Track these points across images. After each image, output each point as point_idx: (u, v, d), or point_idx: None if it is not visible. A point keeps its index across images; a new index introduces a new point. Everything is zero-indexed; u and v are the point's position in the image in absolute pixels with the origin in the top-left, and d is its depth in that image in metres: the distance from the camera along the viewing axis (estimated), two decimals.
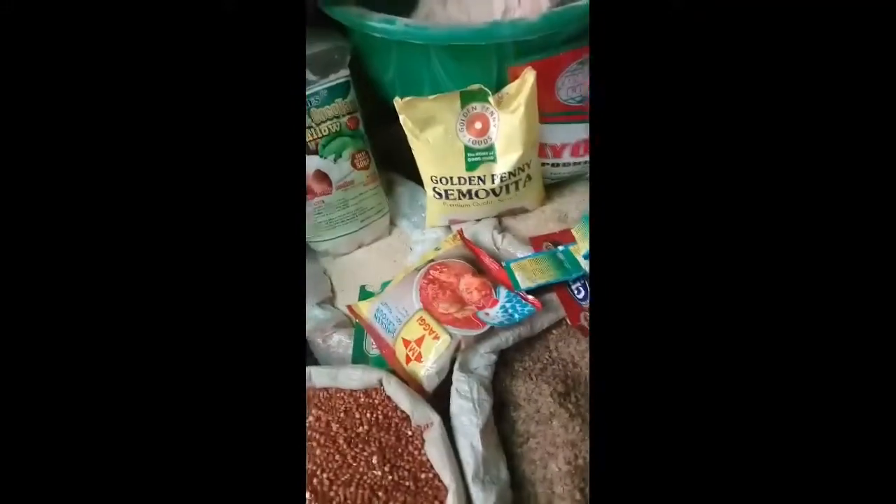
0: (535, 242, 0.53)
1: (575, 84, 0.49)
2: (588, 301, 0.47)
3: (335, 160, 0.55)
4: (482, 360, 0.43)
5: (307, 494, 0.36)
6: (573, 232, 0.50)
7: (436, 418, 0.40)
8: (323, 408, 0.42)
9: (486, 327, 0.43)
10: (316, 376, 0.44)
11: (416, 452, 0.39)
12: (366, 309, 0.51)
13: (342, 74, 0.52)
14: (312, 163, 0.54)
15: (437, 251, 0.53)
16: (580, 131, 0.53)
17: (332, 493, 0.37)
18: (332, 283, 0.59)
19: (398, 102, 0.49)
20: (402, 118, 0.50)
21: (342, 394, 0.43)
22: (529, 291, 0.47)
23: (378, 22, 0.46)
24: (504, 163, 0.51)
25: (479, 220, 0.57)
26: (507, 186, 0.53)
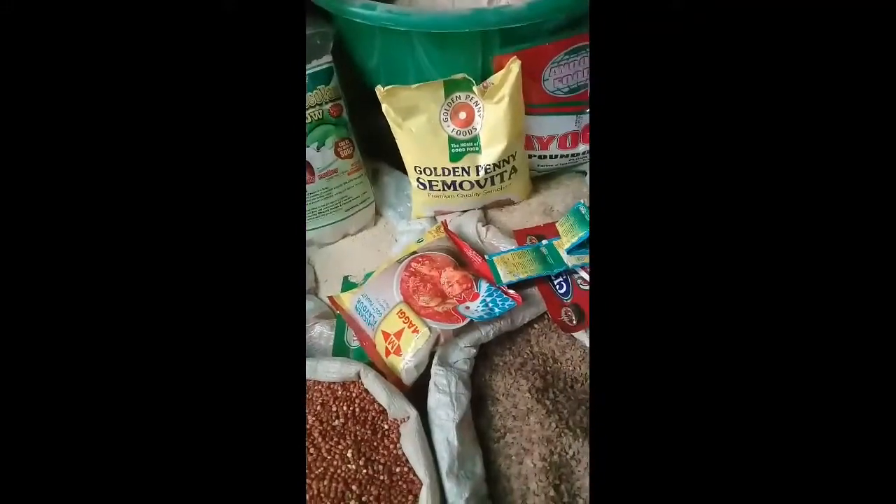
0: (519, 236, 0.52)
1: (562, 75, 0.48)
2: (570, 296, 0.46)
3: (318, 148, 0.54)
4: (461, 353, 0.43)
5: None
6: (557, 226, 0.50)
7: (413, 412, 0.40)
8: None
9: (466, 321, 0.43)
10: None
11: (391, 446, 0.39)
12: (347, 300, 0.51)
13: (325, 61, 0.51)
14: None
15: (420, 243, 0.52)
16: (568, 123, 0.52)
17: (305, 487, 0.37)
18: (315, 273, 0.59)
19: (380, 91, 0.48)
20: (384, 107, 0.49)
21: (320, 386, 0.43)
22: (511, 286, 0.46)
23: (359, 7, 0.45)
24: (488, 154, 0.51)
25: (464, 212, 0.56)
26: (491, 178, 0.52)
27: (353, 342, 0.49)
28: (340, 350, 0.49)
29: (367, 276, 0.53)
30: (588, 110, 0.51)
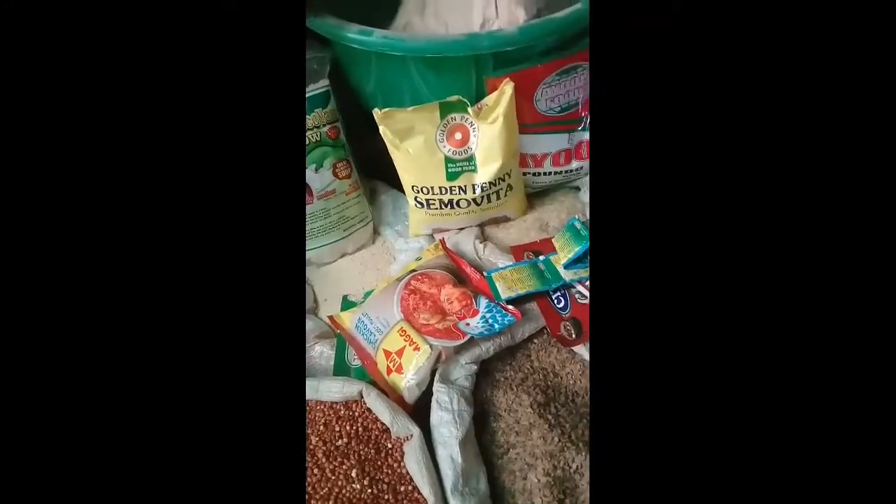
0: (516, 252, 0.53)
1: (554, 95, 0.49)
2: (568, 311, 0.47)
3: (316, 170, 0.55)
4: (463, 370, 0.43)
5: None
6: (553, 241, 0.51)
7: (415, 430, 0.40)
8: None
9: (467, 338, 0.44)
10: None
11: (395, 465, 0.39)
12: (347, 319, 0.51)
13: (322, 84, 0.52)
14: None
15: (419, 261, 0.53)
16: (561, 141, 0.54)
17: None
18: (314, 293, 0.59)
19: (377, 113, 0.50)
20: (381, 129, 0.51)
21: (322, 406, 0.43)
22: (510, 301, 0.47)
23: (355, 33, 0.46)
24: (484, 173, 0.52)
25: (461, 230, 0.57)
26: (487, 196, 0.53)
27: (354, 361, 0.49)
28: (341, 369, 0.49)
29: (367, 294, 0.54)
30: (580, 128, 0.53)
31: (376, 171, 0.62)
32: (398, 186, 0.58)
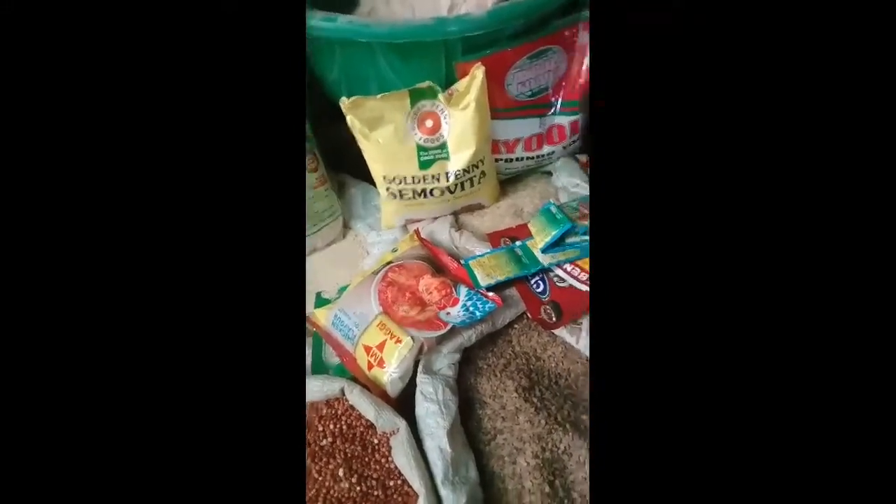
0: (493, 238, 0.53)
1: (524, 79, 0.49)
2: (547, 295, 0.47)
3: None
4: (445, 360, 0.43)
5: None
6: (529, 226, 0.51)
7: (401, 423, 0.39)
8: None
9: (448, 327, 0.43)
10: None
11: (383, 460, 0.38)
12: (323, 317, 0.49)
13: None
14: None
15: (395, 252, 0.52)
16: (533, 126, 0.54)
17: None
18: None
19: (345, 103, 0.48)
20: (349, 119, 0.49)
21: None
22: (489, 288, 0.46)
23: (318, 20, 0.44)
24: (457, 160, 0.51)
25: (435, 219, 0.56)
26: (461, 184, 0.53)
27: (332, 359, 0.48)
28: (319, 368, 0.47)
29: (342, 290, 0.52)
30: (551, 112, 0.53)
31: (342, 164, 0.61)
32: (365, 178, 0.57)
